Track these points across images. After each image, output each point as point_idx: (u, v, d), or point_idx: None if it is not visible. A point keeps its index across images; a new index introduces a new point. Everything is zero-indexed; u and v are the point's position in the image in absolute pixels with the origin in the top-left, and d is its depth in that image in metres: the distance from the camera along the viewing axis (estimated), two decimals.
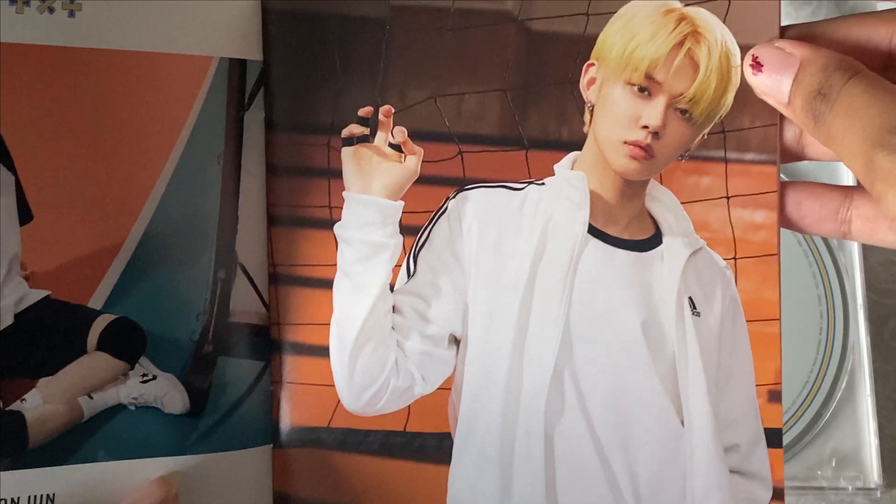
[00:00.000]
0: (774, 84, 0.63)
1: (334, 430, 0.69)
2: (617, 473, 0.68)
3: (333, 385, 0.68)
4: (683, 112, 0.67)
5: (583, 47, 0.68)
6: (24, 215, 0.66)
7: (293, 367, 0.69)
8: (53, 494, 0.65)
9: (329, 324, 0.68)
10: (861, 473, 1.07)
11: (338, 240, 0.68)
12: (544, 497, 0.68)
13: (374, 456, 0.69)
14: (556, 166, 0.68)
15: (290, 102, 0.69)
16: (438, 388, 0.69)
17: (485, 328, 0.68)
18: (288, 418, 0.69)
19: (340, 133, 0.68)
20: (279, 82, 0.69)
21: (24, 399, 0.66)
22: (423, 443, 0.69)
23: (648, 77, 0.67)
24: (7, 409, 0.65)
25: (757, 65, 0.64)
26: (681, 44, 0.67)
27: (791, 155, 0.69)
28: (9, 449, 0.65)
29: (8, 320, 0.66)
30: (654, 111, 0.67)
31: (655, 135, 0.67)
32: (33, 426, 0.65)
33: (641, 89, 0.67)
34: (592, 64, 0.68)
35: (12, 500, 0.65)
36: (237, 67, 0.68)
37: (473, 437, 0.68)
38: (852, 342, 1.08)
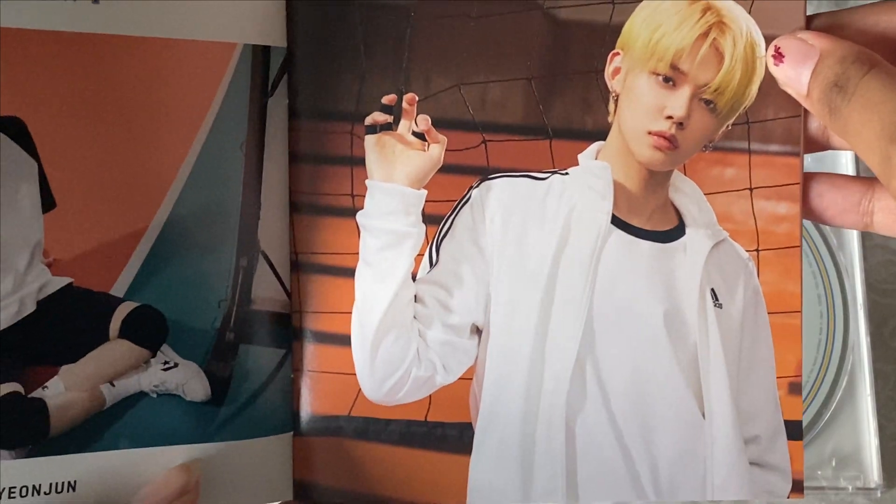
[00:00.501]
0: (795, 75, 0.63)
1: (355, 418, 0.69)
2: (637, 463, 0.68)
3: (354, 374, 0.68)
4: (708, 102, 0.67)
5: (608, 36, 0.67)
6: (47, 202, 0.66)
7: (314, 355, 0.69)
8: (75, 481, 0.65)
9: (350, 312, 0.69)
10: (861, 473, 1.08)
11: (360, 228, 0.68)
12: (565, 486, 0.68)
13: (394, 445, 0.69)
14: (580, 156, 0.68)
15: (314, 89, 0.69)
16: (460, 378, 0.69)
17: (507, 318, 0.68)
18: (308, 407, 0.69)
19: (364, 121, 0.68)
20: (303, 69, 0.69)
21: (45, 386, 0.66)
22: (444, 432, 0.69)
23: (673, 67, 0.66)
24: (29, 396, 0.65)
25: (779, 55, 0.64)
26: (706, 34, 0.66)
27: (816, 145, 0.69)
28: (30, 436, 0.65)
29: (30, 307, 0.66)
30: (678, 101, 0.67)
31: (680, 125, 0.67)
32: (55, 413, 0.65)
33: (666, 79, 0.66)
34: (618, 53, 0.67)
35: (34, 486, 0.65)
36: (261, 54, 0.68)
37: (494, 427, 0.69)
38: (852, 342, 1.08)
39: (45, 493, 0.65)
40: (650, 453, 0.68)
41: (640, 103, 0.67)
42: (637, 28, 0.67)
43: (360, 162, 0.68)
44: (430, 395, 0.69)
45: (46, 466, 0.65)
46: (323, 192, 0.69)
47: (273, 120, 0.69)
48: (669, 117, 0.67)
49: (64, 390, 0.66)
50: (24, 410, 0.65)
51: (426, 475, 0.69)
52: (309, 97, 0.69)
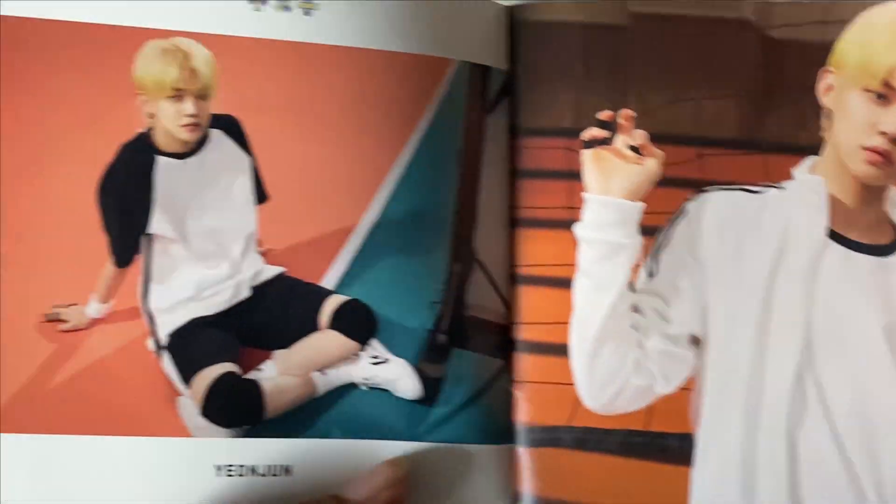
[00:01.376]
0: None
1: (574, 428, 0.67)
2: (862, 478, 0.65)
3: (573, 384, 0.67)
4: None
5: (820, 54, 0.69)
6: (261, 195, 0.68)
7: (532, 365, 0.68)
8: (290, 466, 0.64)
9: (568, 323, 0.67)
10: None
11: (578, 240, 0.68)
12: (788, 501, 0.65)
13: (614, 455, 0.67)
14: (794, 170, 0.69)
15: (534, 107, 0.71)
16: (680, 388, 0.67)
17: (725, 329, 0.67)
18: (527, 417, 0.67)
19: (582, 136, 0.69)
20: (524, 89, 0.71)
21: (260, 368, 0.66)
22: (664, 443, 0.66)
23: (886, 84, 0.67)
24: (244, 376, 0.65)
25: None
26: None
27: None
28: (246, 415, 0.64)
29: (245, 293, 0.68)
30: (892, 117, 0.67)
31: (894, 141, 0.68)
32: (269, 395, 0.65)
33: (879, 96, 0.67)
34: (830, 70, 0.69)
35: (251, 467, 0.63)
36: (478, 72, 0.70)
37: (716, 439, 0.66)
38: None
39: (261, 475, 0.63)
40: (875, 468, 0.65)
41: (852, 119, 0.68)
42: (849, 46, 0.69)
43: (578, 176, 0.68)
44: (649, 405, 0.67)
45: (263, 448, 0.64)
46: (542, 206, 0.69)
47: (493, 136, 0.70)
48: (883, 133, 0.67)
49: (277, 374, 0.66)
50: (239, 390, 0.65)
51: (647, 486, 0.66)
52: (529, 115, 0.71)
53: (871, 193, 0.69)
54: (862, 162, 0.68)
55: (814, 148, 0.69)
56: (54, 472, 0.62)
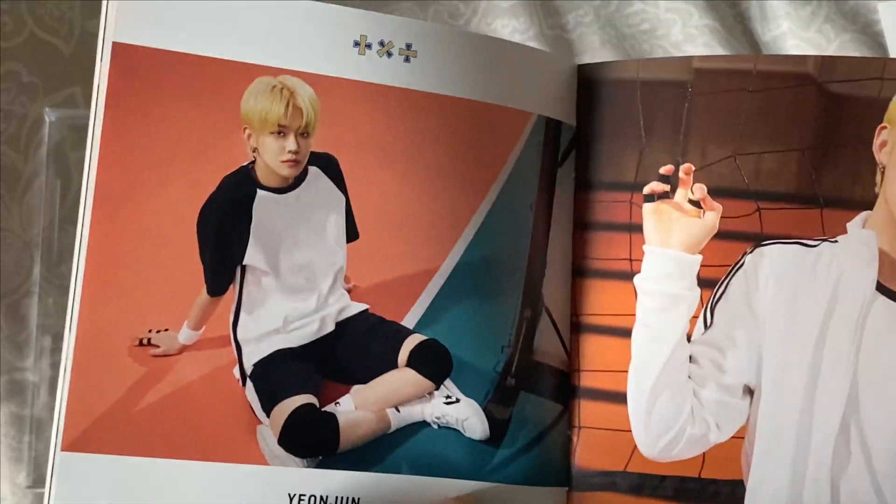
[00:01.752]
0: None
1: (630, 474, 0.69)
2: None
3: (630, 430, 0.69)
4: None
5: (877, 110, 0.71)
6: (351, 233, 0.71)
7: (591, 411, 0.71)
8: (358, 499, 0.66)
9: (627, 371, 0.70)
10: None
11: (637, 291, 0.70)
12: None
13: (668, 501, 0.69)
14: (848, 225, 0.71)
15: (598, 162, 0.73)
16: (732, 437, 0.69)
17: (777, 379, 0.69)
18: (584, 461, 0.70)
19: (642, 190, 0.71)
20: (589, 144, 0.74)
21: (338, 403, 0.68)
22: (716, 489, 0.69)
23: None
24: (322, 409, 0.67)
25: None
26: None
27: None
28: (321, 447, 0.66)
29: (330, 327, 0.70)
30: None
31: None
32: (345, 429, 0.67)
33: None
34: (885, 127, 0.71)
35: (321, 497, 0.65)
36: (553, 126, 0.73)
37: (765, 485, 0.69)
38: None
39: None
40: None
41: None
42: None
43: (639, 228, 0.71)
44: (703, 453, 0.69)
45: (334, 480, 0.66)
46: (604, 257, 0.72)
47: (561, 188, 0.74)
48: None
49: (354, 409, 0.68)
50: (317, 422, 0.67)
51: None
52: (593, 170, 0.73)
53: None
54: None
55: (869, 203, 0.71)
56: (134, 493, 0.64)
